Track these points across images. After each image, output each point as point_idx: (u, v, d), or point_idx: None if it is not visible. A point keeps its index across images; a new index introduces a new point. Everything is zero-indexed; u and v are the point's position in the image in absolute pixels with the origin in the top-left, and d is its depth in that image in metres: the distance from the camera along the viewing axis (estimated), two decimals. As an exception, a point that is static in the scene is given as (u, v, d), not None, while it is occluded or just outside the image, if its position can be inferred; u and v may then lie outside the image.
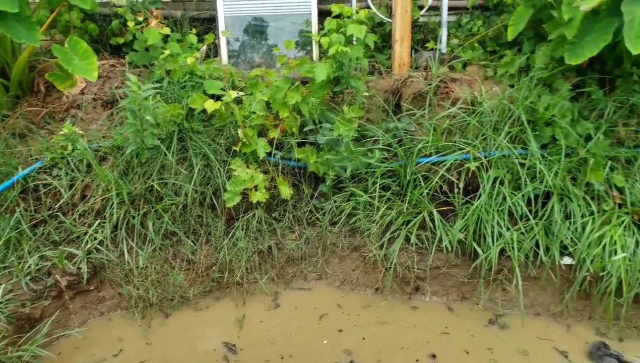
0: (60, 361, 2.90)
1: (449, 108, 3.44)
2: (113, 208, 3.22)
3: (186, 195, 3.34)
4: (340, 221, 3.47)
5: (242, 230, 3.39)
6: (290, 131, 3.46)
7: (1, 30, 3.11)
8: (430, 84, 3.57)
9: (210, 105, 3.34)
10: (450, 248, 3.20)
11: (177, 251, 3.35)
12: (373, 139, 3.51)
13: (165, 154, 3.36)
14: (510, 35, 3.65)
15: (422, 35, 4.74)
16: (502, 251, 3.12)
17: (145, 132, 3.20)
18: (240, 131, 3.33)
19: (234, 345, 2.97)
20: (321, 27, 3.79)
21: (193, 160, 3.39)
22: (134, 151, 3.31)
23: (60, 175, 3.32)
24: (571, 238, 3.04)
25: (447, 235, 3.21)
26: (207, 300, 3.34)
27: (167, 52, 3.64)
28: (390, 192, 3.41)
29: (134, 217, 3.26)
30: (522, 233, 3.11)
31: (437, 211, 3.28)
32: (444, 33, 4.29)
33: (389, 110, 3.62)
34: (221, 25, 4.21)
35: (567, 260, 3.08)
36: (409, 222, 3.30)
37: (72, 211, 3.29)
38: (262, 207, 3.45)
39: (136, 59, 4.02)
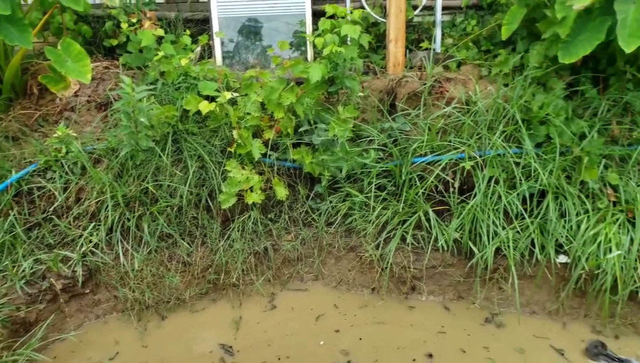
0: (55, 365, 2.89)
1: (443, 107, 3.45)
2: (108, 211, 3.20)
3: (181, 197, 3.33)
4: (336, 221, 3.46)
5: (238, 231, 3.38)
6: (285, 132, 3.45)
7: (-7, 33, 3.09)
8: (424, 84, 3.57)
9: (205, 107, 3.33)
10: (446, 248, 3.21)
11: (172, 253, 3.34)
12: (368, 139, 3.51)
13: (160, 156, 3.35)
14: (504, 34, 3.67)
15: (416, 35, 4.74)
16: (498, 250, 3.13)
17: (139, 134, 3.19)
18: (235, 132, 3.32)
19: (230, 347, 2.97)
20: (315, 27, 3.79)
21: (188, 162, 3.38)
22: (128, 153, 3.29)
23: (55, 178, 3.30)
24: (566, 236, 3.05)
25: (443, 234, 3.21)
26: (203, 302, 3.33)
27: (161, 53, 3.62)
28: (385, 192, 3.41)
29: (129, 220, 3.25)
30: (518, 232, 3.12)
31: (433, 210, 3.28)
32: (438, 33, 4.30)
33: (384, 110, 3.62)
34: (215, 26, 4.20)
35: (562, 259, 3.10)
36: (404, 221, 3.30)
37: (66, 214, 3.27)
38: (258, 208, 3.45)
39: (130, 61, 4.00)
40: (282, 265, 3.51)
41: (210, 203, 3.41)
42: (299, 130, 3.46)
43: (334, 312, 3.25)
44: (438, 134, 3.42)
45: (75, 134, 3.41)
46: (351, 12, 3.52)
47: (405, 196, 3.33)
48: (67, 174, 3.32)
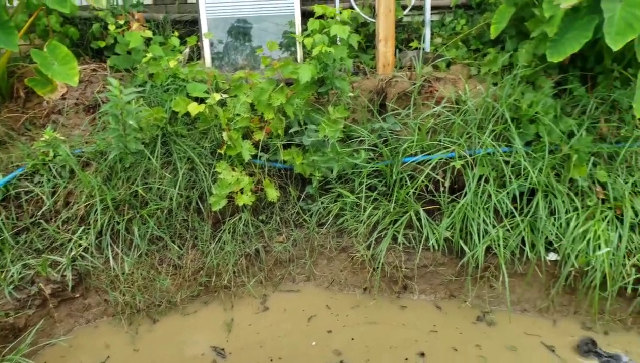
0: (45, 371, 2.86)
1: (433, 107, 3.46)
2: (97, 215, 3.17)
3: (171, 199, 3.31)
4: (328, 222, 3.46)
5: (229, 233, 3.37)
6: (275, 133, 3.44)
7: (-22, 36, 3.06)
8: (414, 84, 3.58)
9: (194, 108, 3.31)
10: (437, 247, 3.22)
11: (163, 256, 3.31)
12: (359, 139, 3.51)
13: (149, 159, 3.32)
14: (493, 33, 3.68)
15: (406, 35, 4.75)
16: (489, 248, 3.14)
17: (128, 136, 3.16)
18: (224, 134, 3.30)
19: (222, 349, 2.95)
20: (305, 28, 3.78)
21: (177, 164, 3.36)
22: (117, 156, 3.26)
23: (42, 182, 3.26)
24: (556, 234, 3.07)
25: (434, 233, 3.22)
26: (194, 305, 3.32)
27: (149, 55, 3.60)
28: (376, 192, 3.42)
29: (118, 223, 3.22)
30: (508, 230, 3.14)
31: (424, 210, 3.29)
32: (427, 32, 4.31)
33: (374, 110, 3.62)
34: (204, 27, 4.17)
35: (552, 256, 3.11)
36: (395, 221, 3.31)
37: (55, 218, 3.24)
38: (249, 209, 3.44)
39: (118, 63, 3.96)
40: (273, 266, 3.50)
41: (201, 206, 3.40)
42: (289, 131, 3.45)
43: (326, 312, 3.24)
44: (428, 133, 3.43)
45: (63, 137, 3.38)
46: (340, 12, 3.51)
47: (396, 196, 3.34)
48: (55, 177, 3.28)
